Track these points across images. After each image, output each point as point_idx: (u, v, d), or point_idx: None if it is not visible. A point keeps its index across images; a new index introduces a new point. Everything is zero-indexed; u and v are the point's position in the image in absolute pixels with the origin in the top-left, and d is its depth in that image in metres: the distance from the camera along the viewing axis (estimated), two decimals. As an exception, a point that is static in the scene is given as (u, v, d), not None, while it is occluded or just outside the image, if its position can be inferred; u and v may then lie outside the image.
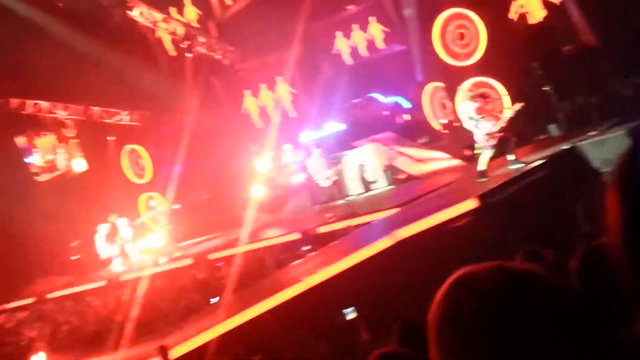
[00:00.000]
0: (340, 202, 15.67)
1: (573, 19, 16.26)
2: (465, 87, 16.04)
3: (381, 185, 16.80)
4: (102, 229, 18.27)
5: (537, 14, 16.27)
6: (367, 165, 17.06)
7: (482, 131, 12.47)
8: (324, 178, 15.56)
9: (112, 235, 18.30)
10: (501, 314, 1.13)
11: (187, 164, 20.32)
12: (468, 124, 12.87)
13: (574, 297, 1.19)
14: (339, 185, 16.13)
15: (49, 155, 22.89)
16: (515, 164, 12.49)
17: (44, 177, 22.80)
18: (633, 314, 1.17)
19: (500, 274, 1.19)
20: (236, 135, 21.44)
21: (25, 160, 23.07)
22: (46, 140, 22.97)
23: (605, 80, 15.06)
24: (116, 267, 18.16)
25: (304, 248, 13.85)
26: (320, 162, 15.78)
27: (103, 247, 18.27)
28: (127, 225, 18.47)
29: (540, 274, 1.20)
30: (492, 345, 1.12)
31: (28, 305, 17.60)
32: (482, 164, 12.69)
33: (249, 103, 22.33)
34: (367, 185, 16.89)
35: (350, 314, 10.36)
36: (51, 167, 22.66)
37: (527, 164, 12.36)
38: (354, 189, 17.07)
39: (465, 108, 12.96)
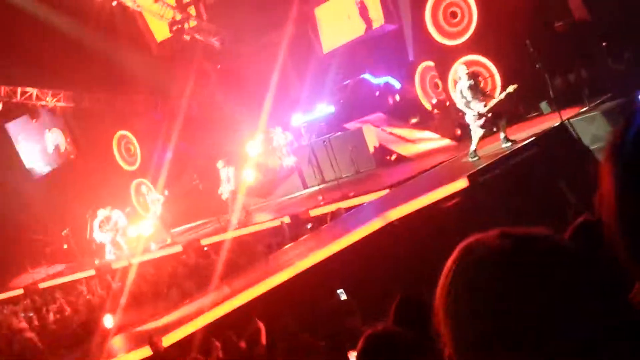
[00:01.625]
0: (331, 184, 15.57)
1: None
2: (457, 66, 15.88)
3: (372, 167, 16.64)
4: (100, 215, 18.17)
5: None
6: (358, 146, 16.89)
7: (473, 111, 12.38)
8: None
9: (105, 223, 18.19)
10: (510, 278, 1.12)
11: (177, 149, 20.18)
12: (459, 103, 12.75)
13: (581, 255, 1.18)
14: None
15: (39, 144, 22.83)
16: (506, 142, 12.39)
17: (37, 171, 22.73)
18: (630, 286, 1.22)
19: (505, 238, 1.17)
20: (227, 119, 21.26)
21: (17, 148, 23.03)
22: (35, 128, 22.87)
23: (596, 56, 14.91)
24: (108, 255, 18.06)
25: (307, 226, 13.76)
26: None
27: (97, 233, 18.17)
28: (121, 216, 18.36)
29: (545, 234, 1.19)
30: (503, 310, 1.11)
31: (19, 295, 17.52)
32: (472, 144, 12.61)
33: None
34: (357, 166, 16.71)
35: (342, 295, 10.25)
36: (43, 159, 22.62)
37: (517, 142, 12.26)
38: (346, 170, 16.91)
39: (458, 87, 12.82)
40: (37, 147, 23.29)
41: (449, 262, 1.21)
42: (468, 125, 13.20)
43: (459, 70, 13.25)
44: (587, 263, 1.16)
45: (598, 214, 1.23)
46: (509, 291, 1.11)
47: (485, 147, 12.83)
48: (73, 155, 22.63)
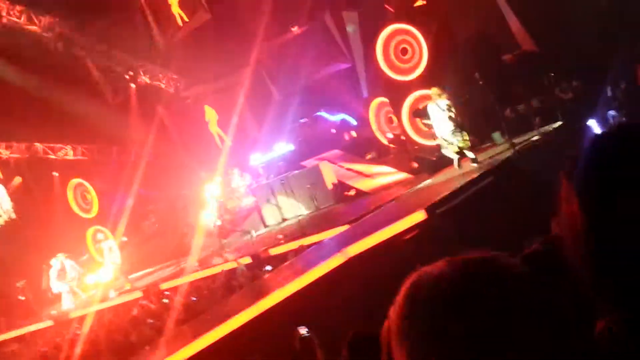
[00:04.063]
0: (291, 222, 15.56)
1: (512, 28, 16.51)
2: (410, 101, 16.16)
3: (331, 203, 16.69)
4: (55, 264, 17.85)
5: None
6: (316, 184, 16.95)
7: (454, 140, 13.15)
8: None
9: (60, 273, 17.86)
10: (460, 307, 1.10)
11: (135, 194, 19.98)
12: (448, 132, 13.31)
13: (530, 277, 1.16)
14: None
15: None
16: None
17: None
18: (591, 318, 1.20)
19: (451, 265, 1.16)
20: (184, 162, 21.20)
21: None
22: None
23: (545, 85, 15.26)
24: (66, 304, 17.70)
25: (266, 268, 13.65)
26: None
27: (54, 283, 17.83)
28: (75, 265, 18.05)
29: (491, 256, 1.17)
30: (456, 340, 1.08)
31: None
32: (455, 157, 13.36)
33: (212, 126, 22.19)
34: (317, 203, 16.73)
35: (303, 330, 10.16)
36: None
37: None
38: (305, 208, 16.92)
39: (443, 117, 13.34)
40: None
41: (399, 296, 1.20)
42: (423, 159, 13.49)
43: (440, 102, 13.59)
44: (537, 286, 1.14)
45: (554, 238, 1.23)
46: (457, 319, 1.09)
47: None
48: (25, 207, 22.22)
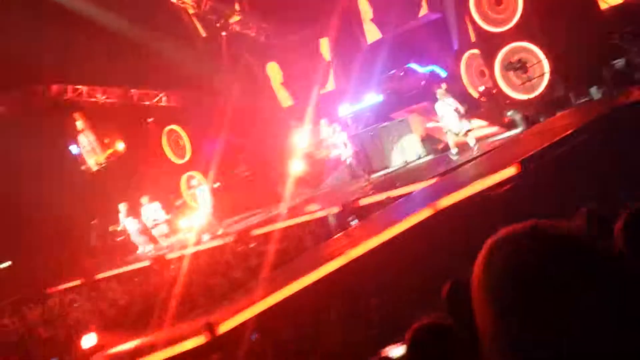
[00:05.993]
0: (380, 174, 15.66)
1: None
2: (503, 53, 15.86)
3: (420, 156, 16.68)
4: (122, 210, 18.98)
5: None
6: (406, 136, 16.95)
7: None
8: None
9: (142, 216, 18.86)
10: (535, 278, 1.12)
11: (226, 142, 20.38)
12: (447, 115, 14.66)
13: (612, 261, 1.16)
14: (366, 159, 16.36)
15: (90, 144, 23.31)
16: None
17: (90, 167, 23.22)
18: None
19: (535, 236, 1.16)
20: (275, 111, 21.46)
21: (70, 148, 23.55)
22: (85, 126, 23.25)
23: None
24: (146, 248, 18.71)
25: (350, 219, 13.85)
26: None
27: (124, 221, 18.98)
28: (159, 209, 18.88)
29: (577, 236, 1.17)
30: (527, 311, 1.11)
31: (75, 287, 17.93)
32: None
33: (275, 80, 22.34)
34: (405, 156, 16.76)
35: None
36: (95, 157, 23.09)
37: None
38: (394, 160, 16.98)
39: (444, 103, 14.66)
40: (90, 145, 23.85)
41: (480, 257, 1.22)
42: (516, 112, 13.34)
43: (446, 99, 14.81)
44: (620, 272, 1.14)
45: None
46: (533, 293, 1.12)
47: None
48: (124, 151, 23.10)
